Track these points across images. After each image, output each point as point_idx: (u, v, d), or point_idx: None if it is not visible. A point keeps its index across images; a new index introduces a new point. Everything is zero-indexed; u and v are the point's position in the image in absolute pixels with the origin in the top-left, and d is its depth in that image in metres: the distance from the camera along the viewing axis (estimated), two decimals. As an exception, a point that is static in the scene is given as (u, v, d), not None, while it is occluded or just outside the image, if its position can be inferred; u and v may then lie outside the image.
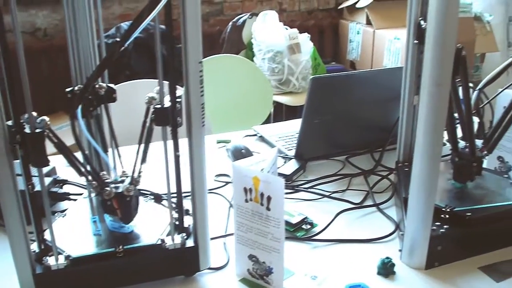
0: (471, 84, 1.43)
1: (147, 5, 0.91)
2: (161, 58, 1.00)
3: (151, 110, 1.03)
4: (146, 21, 0.90)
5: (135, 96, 1.60)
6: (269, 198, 1.04)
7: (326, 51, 4.69)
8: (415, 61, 1.42)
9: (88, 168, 1.07)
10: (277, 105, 3.70)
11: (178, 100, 1.04)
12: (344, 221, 1.41)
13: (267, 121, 3.18)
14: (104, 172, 1.12)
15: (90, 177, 1.07)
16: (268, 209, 1.06)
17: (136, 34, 0.94)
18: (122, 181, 1.12)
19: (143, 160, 1.08)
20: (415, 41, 1.39)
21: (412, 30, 1.41)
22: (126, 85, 2.28)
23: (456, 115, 1.30)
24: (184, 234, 1.14)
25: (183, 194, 1.13)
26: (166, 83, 1.02)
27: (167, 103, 1.04)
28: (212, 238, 1.28)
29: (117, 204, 1.09)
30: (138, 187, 1.12)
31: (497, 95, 1.49)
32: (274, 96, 3.69)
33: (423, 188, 1.14)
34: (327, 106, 1.65)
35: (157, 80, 1.01)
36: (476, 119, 1.64)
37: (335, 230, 1.36)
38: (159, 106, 1.03)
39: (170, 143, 1.06)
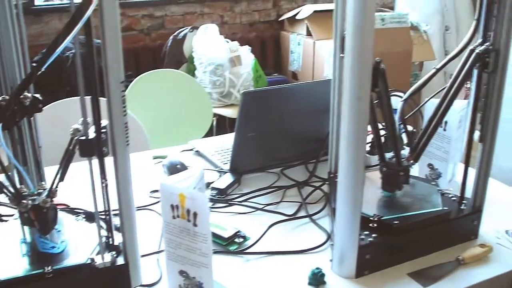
0: (401, 94, 1.47)
1: (64, 27, 0.91)
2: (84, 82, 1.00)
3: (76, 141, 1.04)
4: (63, 45, 0.90)
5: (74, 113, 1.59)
6: (195, 214, 1.05)
7: (268, 63, 4.72)
8: (342, 74, 1.44)
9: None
10: (220, 118, 3.72)
11: (103, 130, 1.04)
12: (278, 233, 1.43)
13: (209, 134, 3.19)
14: (23, 186, 1.12)
15: (5, 190, 1.07)
16: (195, 225, 1.06)
17: (55, 55, 0.93)
18: (40, 194, 1.12)
19: (61, 179, 1.08)
20: (341, 55, 1.42)
21: (338, 43, 1.44)
22: (62, 103, 2.27)
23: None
24: (114, 252, 1.14)
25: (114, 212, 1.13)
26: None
27: (92, 133, 1.04)
28: (145, 255, 1.29)
29: (34, 215, 1.10)
30: (71, 205, 1.12)
31: (423, 104, 1.53)
32: (216, 109, 3.71)
33: (349, 199, 1.16)
34: (259, 119, 1.67)
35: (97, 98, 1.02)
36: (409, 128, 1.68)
37: (269, 242, 1.38)
38: (83, 138, 1.03)
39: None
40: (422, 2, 4.84)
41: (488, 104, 1.31)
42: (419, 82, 1.41)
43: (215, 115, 3.63)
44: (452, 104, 1.34)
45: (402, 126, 1.41)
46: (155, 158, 1.91)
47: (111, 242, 1.17)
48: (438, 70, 1.40)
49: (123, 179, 1.07)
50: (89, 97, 1.02)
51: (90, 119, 1.05)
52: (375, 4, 1.03)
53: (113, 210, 1.13)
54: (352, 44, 1.05)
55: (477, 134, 1.36)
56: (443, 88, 1.37)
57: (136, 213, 1.41)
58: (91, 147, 1.04)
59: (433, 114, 1.38)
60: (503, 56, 1.25)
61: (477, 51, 1.27)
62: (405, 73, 4.09)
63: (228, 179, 1.66)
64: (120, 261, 1.14)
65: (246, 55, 3.92)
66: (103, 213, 1.13)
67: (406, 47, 4.15)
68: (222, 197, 1.58)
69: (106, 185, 1.09)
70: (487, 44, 1.27)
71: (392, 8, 5.22)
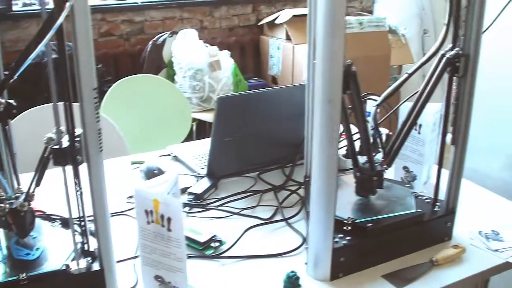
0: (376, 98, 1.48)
1: (36, 34, 0.92)
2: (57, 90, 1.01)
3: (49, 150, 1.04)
4: (34, 52, 0.91)
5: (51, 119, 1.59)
6: (169, 220, 1.06)
7: (248, 67, 4.73)
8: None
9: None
10: (200, 123, 3.72)
11: (77, 139, 1.05)
12: (254, 237, 1.44)
13: (189, 139, 3.19)
14: (0, 190, 1.12)
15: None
16: (169, 230, 1.07)
17: (27, 63, 0.94)
18: (17, 198, 1.12)
19: (37, 184, 1.09)
20: (314, 61, 1.43)
21: (312, 48, 1.45)
22: (40, 109, 2.26)
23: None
24: (90, 258, 1.15)
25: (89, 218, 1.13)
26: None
27: (66, 142, 1.05)
28: (121, 260, 1.29)
29: (12, 219, 1.10)
30: (48, 211, 1.12)
31: (396, 108, 1.55)
32: (196, 113, 3.71)
33: (322, 202, 1.17)
34: (235, 124, 1.68)
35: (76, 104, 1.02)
36: (385, 132, 1.70)
37: (245, 246, 1.39)
38: (57, 146, 1.04)
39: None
40: (400, 6, 4.88)
41: (459, 108, 1.33)
42: (392, 87, 1.43)
43: (195, 120, 3.64)
44: (424, 107, 1.36)
45: (375, 130, 1.43)
46: (133, 163, 1.91)
47: (86, 248, 1.17)
48: (410, 75, 1.42)
49: (97, 186, 1.07)
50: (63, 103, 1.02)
51: (64, 127, 1.05)
52: (345, 9, 1.04)
53: (89, 216, 1.13)
54: (323, 47, 1.07)
55: (449, 137, 1.38)
56: (416, 92, 1.39)
57: (112, 219, 1.43)
58: (64, 156, 1.04)
59: (406, 118, 1.40)
60: (472, 60, 1.28)
61: (447, 56, 1.29)
62: (384, 76, 4.12)
63: (205, 184, 1.67)
64: (96, 267, 1.14)
65: (226, 59, 3.93)
66: (78, 219, 1.14)
67: (384, 51, 4.19)
68: (198, 202, 1.59)
69: (81, 193, 1.10)
70: (457, 49, 1.29)
71: (371, 12, 5.25)
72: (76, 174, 1.08)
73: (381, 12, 4.97)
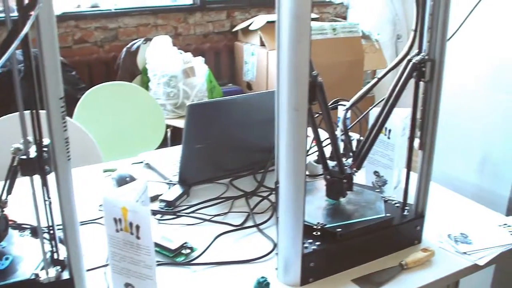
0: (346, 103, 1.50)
1: (1, 43, 0.91)
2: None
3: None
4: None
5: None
6: (137, 227, 1.06)
7: (223, 73, 4.74)
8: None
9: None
10: (175, 129, 3.72)
11: (45, 149, 1.05)
12: (225, 243, 1.44)
13: (164, 146, 3.18)
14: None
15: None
16: (137, 238, 1.07)
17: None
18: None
19: (9, 192, 1.09)
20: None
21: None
22: (13, 117, 2.25)
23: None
24: (59, 267, 1.14)
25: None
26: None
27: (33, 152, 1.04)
28: (92, 269, 1.29)
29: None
30: (18, 220, 1.12)
31: (365, 113, 1.57)
32: (171, 120, 3.70)
33: (291, 208, 1.18)
34: (207, 131, 1.69)
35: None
36: (356, 136, 1.72)
37: (216, 253, 1.39)
38: (24, 157, 1.04)
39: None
40: (374, 11, 4.92)
41: (426, 112, 1.35)
42: (361, 92, 1.44)
43: (169, 126, 3.63)
44: (391, 112, 1.38)
45: (344, 135, 1.44)
46: (105, 171, 1.90)
47: (56, 257, 1.16)
48: (379, 79, 1.43)
49: (65, 194, 1.07)
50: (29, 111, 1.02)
51: (31, 137, 1.05)
52: (310, 17, 1.05)
53: (58, 225, 1.13)
54: (288, 56, 1.07)
55: (417, 142, 1.40)
56: (383, 99, 1.41)
57: (84, 227, 1.44)
58: (32, 166, 1.04)
59: (374, 122, 1.41)
60: (438, 65, 1.29)
61: (413, 61, 1.31)
62: (358, 81, 4.15)
63: (176, 191, 1.67)
64: (65, 275, 1.14)
65: (200, 66, 3.93)
66: (47, 228, 1.13)
67: (357, 56, 4.22)
68: (170, 209, 1.59)
69: (50, 203, 1.09)
70: (422, 54, 1.31)
71: (345, 18, 5.29)
72: (45, 184, 1.07)
73: (355, 18, 5.01)
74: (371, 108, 1.52)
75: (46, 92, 0.99)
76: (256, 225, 1.51)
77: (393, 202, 1.48)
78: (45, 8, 0.94)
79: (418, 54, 1.32)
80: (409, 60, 1.32)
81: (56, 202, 1.08)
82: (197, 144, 1.67)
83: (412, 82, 1.34)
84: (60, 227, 1.12)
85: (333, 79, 3.64)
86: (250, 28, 4.38)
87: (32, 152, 1.05)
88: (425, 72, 1.30)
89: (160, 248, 1.36)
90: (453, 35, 1.64)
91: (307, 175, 1.82)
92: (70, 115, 2.86)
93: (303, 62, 1.06)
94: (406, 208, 1.45)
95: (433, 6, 1.25)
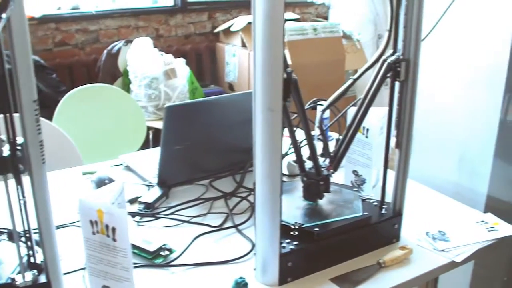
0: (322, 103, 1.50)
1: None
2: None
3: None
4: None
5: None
6: (114, 229, 1.06)
7: (204, 75, 4.74)
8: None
9: None
10: (156, 131, 3.71)
11: (18, 148, 1.04)
12: (204, 244, 1.44)
13: (145, 147, 3.18)
14: None
15: None
16: (114, 240, 1.07)
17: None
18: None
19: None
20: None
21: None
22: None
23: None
24: (36, 271, 1.14)
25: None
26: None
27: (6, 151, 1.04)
28: (70, 272, 1.28)
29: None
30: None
31: (342, 113, 1.57)
32: (152, 122, 3.70)
33: (267, 209, 1.19)
34: (185, 132, 1.68)
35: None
36: (335, 136, 1.72)
37: (195, 254, 1.39)
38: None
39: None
40: (355, 11, 4.94)
41: (402, 112, 1.36)
42: (337, 92, 1.45)
43: (151, 128, 3.63)
44: (367, 112, 1.39)
45: (321, 135, 1.45)
46: (84, 174, 1.90)
47: (32, 261, 1.16)
48: (354, 80, 1.44)
49: (40, 198, 1.07)
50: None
51: (4, 136, 1.04)
52: (283, 17, 1.05)
53: (35, 228, 1.12)
54: (262, 56, 1.08)
55: (394, 140, 1.40)
56: (359, 99, 1.42)
57: (62, 230, 1.43)
58: (5, 165, 1.03)
59: (350, 122, 1.42)
60: (413, 65, 1.30)
61: (388, 61, 1.32)
62: (339, 81, 4.16)
63: (156, 192, 1.67)
64: (42, 279, 1.13)
65: (181, 67, 3.93)
66: (23, 231, 1.13)
67: (339, 56, 4.23)
68: (149, 211, 1.59)
69: (25, 202, 1.09)
70: (397, 54, 1.32)
71: (326, 18, 5.30)
72: (19, 183, 1.07)
73: (337, 18, 5.03)
74: (348, 108, 1.53)
75: (19, 95, 0.99)
76: (235, 226, 1.51)
77: (371, 201, 1.49)
78: (17, 10, 0.93)
79: (393, 54, 1.33)
80: (384, 60, 1.33)
81: (32, 206, 1.08)
82: (176, 146, 1.67)
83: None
84: (37, 230, 1.12)
85: (314, 79, 3.66)
86: (232, 29, 4.39)
87: (6, 150, 1.04)
88: (400, 72, 1.31)
89: (139, 250, 1.36)
90: (428, 34, 1.66)
91: (286, 175, 1.84)
92: (51, 118, 2.85)
93: (277, 62, 1.07)
94: (384, 206, 1.45)
95: (407, 6, 1.26)
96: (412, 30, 1.27)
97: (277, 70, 1.07)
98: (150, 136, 3.61)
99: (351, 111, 1.48)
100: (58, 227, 1.47)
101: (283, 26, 1.05)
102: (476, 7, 1.76)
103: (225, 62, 4.56)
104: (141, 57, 3.83)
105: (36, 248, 1.16)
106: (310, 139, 1.34)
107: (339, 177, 1.70)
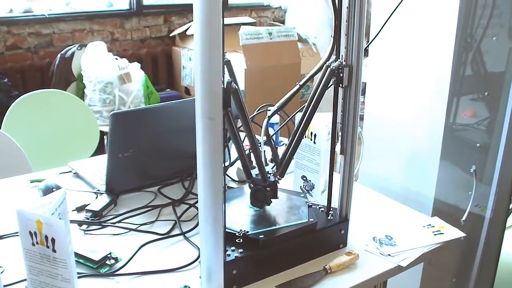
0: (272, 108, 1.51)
1: None
2: None
3: None
4: None
5: None
6: (53, 240, 1.05)
7: (160, 79, 4.72)
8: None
9: None
10: (111, 136, 3.68)
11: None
12: (151, 252, 1.43)
13: (100, 153, 3.14)
14: None
15: None
16: (54, 251, 1.06)
17: None
18: None
19: None
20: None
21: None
22: None
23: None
24: (-25, 284, 1.12)
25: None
26: None
27: None
28: (11, 284, 1.26)
29: None
30: None
31: (289, 119, 1.58)
32: (107, 127, 3.66)
33: (210, 216, 1.18)
34: (132, 139, 1.67)
35: None
36: (286, 141, 1.72)
37: (141, 262, 1.38)
38: None
39: None
40: (311, 15, 4.97)
41: (345, 117, 1.37)
42: (283, 98, 1.46)
43: (105, 133, 3.59)
44: (312, 118, 1.39)
45: (267, 141, 1.45)
46: (32, 181, 1.87)
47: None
48: (301, 86, 1.45)
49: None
50: None
51: None
52: (221, 23, 1.04)
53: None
54: (201, 64, 1.07)
55: (339, 146, 1.41)
56: (304, 106, 1.42)
57: (6, 240, 1.41)
58: None
59: (296, 128, 1.42)
60: (355, 71, 1.31)
61: (331, 67, 1.33)
62: (295, 85, 4.17)
63: (103, 200, 1.65)
64: (-18, 291, 1.12)
65: (136, 71, 3.91)
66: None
67: (294, 60, 4.25)
68: (96, 219, 1.57)
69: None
70: (340, 60, 1.33)
71: (283, 22, 5.33)
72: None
73: (293, 22, 5.05)
74: (295, 114, 1.54)
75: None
76: (183, 233, 1.50)
77: (318, 207, 1.49)
78: None
79: (336, 60, 1.34)
80: (327, 66, 1.34)
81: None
82: (123, 153, 1.65)
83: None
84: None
85: (270, 83, 3.67)
86: (188, 33, 4.38)
87: None
88: (343, 78, 1.32)
89: (84, 260, 1.34)
90: (373, 39, 1.67)
91: (236, 181, 1.83)
92: (1, 124, 2.80)
93: (215, 70, 1.06)
94: (331, 212, 1.46)
95: (348, 13, 1.27)
96: (354, 36, 1.29)
97: (216, 79, 1.07)
98: (105, 142, 3.57)
99: (299, 116, 1.49)
100: (0, 237, 1.45)
101: (221, 33, 1.04)
102: (421, 14, 1.79)
103: (182, 66, 4.55)
104: (95, 61, 3.80)
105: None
106: (254, 145, 1.34)
107: (288, 182, 1.71)
